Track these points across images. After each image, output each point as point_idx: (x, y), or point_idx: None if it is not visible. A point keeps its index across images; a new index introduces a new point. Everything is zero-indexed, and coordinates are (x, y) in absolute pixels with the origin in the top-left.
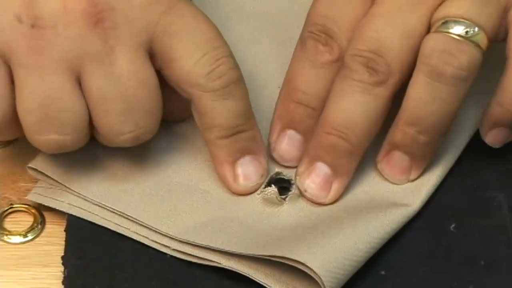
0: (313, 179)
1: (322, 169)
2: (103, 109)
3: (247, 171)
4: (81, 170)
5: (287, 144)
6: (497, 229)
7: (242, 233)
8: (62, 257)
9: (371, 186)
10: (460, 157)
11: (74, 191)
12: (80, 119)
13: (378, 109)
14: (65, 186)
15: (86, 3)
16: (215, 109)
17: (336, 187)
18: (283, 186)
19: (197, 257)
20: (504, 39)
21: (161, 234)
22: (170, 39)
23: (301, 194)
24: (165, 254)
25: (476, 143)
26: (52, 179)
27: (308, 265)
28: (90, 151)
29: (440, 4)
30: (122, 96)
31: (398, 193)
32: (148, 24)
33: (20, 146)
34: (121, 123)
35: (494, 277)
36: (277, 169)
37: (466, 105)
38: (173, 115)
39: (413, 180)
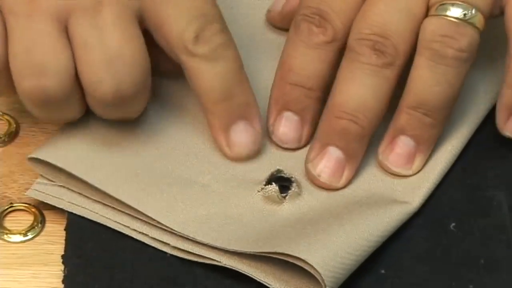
0: (326, 163)
1: (334, 153)
2: (85, 58)
3: (240, 137)
4: (82, 157)
5: (285, 126)
6: (497, 228)
7: (242, 231)
8: (62, 256)
9: (372, 183)
10: (460, 156)
11: (75, 179)
12: (63, 65)
13: (387, 91)
14: (65, 171)
15: None
16: (204, 73)
17: (347, 171)
18: (283, 184)
19: (197, 255)
20: (499, 15)
21: (161, 229)
22: (160, 4)
23: (313, 181)
24: (165, 253)
25: (476, 141)
26: (52, 164)
27: (309, 262)
28: (91, 138)
29: None
30: (104, 46)
31: (398, 191)
32: None
33: (20, 145)
34: (101, 72)
35: (494, 277)
36: (278, 167)
37: (466, 103)
38: (170, 71)
39: (414, 174)
